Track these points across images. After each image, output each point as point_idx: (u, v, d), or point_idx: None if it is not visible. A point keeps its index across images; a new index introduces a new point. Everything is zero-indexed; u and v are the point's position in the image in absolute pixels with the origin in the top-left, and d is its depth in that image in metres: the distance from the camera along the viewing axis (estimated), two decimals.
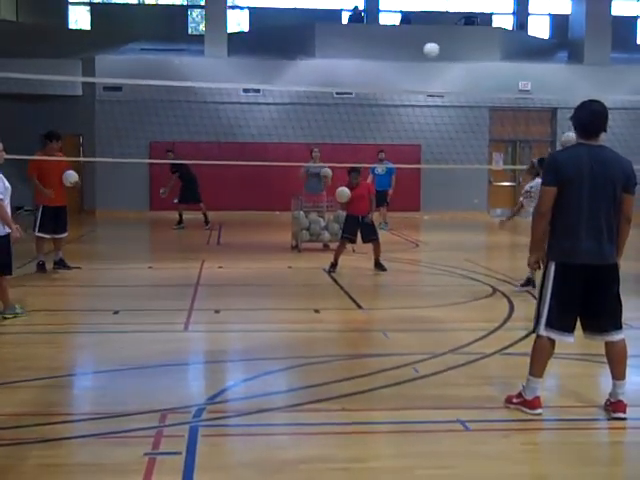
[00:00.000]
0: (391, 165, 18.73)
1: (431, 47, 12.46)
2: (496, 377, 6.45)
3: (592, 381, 6.45)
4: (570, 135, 12.48)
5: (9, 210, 8.23)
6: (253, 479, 4.42)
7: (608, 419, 5.37)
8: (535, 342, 5.50)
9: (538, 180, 9.40)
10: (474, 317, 8.95)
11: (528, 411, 5.42)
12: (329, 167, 15.89)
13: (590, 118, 5.34)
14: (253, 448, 4.90)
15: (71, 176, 11.57)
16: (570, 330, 5.39)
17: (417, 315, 8.97)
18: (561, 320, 5.35)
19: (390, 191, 18.91)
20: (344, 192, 12.36)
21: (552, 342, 5.43)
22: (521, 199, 11.15)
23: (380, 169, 18.88)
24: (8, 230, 8.15)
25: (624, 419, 5.32)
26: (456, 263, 13.07)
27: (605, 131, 5.38)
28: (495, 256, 16.06)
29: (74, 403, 5.98)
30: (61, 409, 5.62)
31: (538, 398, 5.45)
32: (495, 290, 10.61)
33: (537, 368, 5.47)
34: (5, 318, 8.37)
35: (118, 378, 6.44)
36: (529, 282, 10.36)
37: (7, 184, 8.26)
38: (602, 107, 5.37)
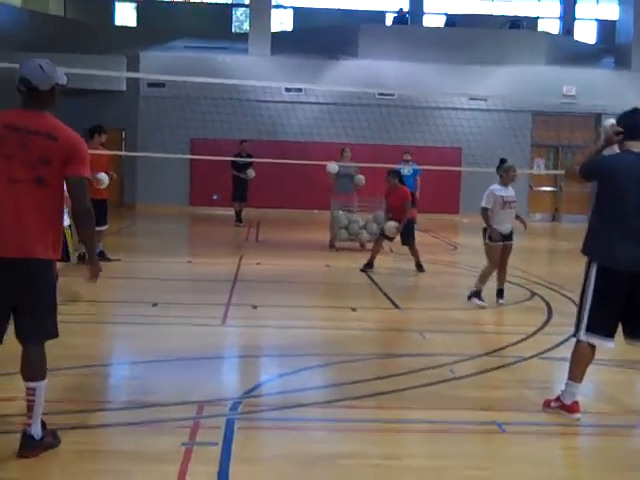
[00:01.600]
0: (417, 166, 18.67)
1: (331, 167, 14.32)
2: (534, 381, 6.41)
3: (632, 388, 6.38)
4: (611, 120, 12.40)
5: None
6: (288, 471, 4.44)
7: None
8: (575, 347, 5.46)
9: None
10: (512, 320, 8.90)
11: (567, 415, 5.39)
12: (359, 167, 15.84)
13: None
14: (288, 442, 4.93)
15: (101, 181, 11.55)
16: (611, 335, 5.34)
17: (454, 317, 8.93)
18: (602, 325, 5.30)
19: (417, 192, 18.82)
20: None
21: (592, 347, 5.38)
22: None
23: (406, 170, 18.81)
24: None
25: None
26: None
27: None
28: (534, 260, 15.91)
29: (113, 392, 6.05)
30: (100, 397, 5.70)
31: (577, 403, 5.41)
32: (534, 294, 10.54)
33: (576, 373, 5.43)
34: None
35: (156, 369, 6.51)
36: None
37: None
38: None
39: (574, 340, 5.48)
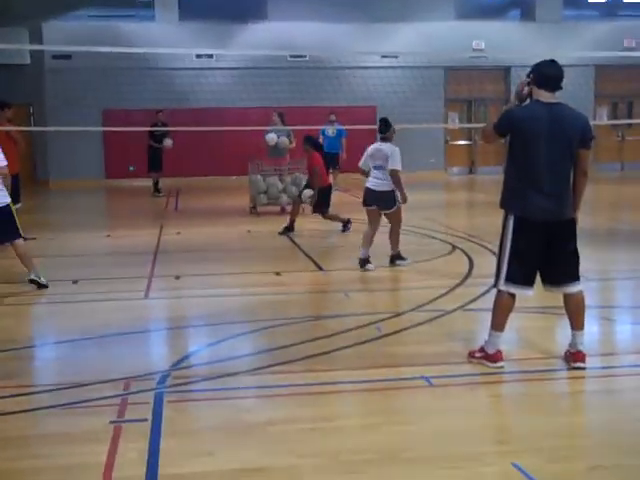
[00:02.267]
0: (341, 127, 18.66)
1: (270, 137, 14.15)
2: (458, 333, 6.51)
3: (552, 333, 6.54)
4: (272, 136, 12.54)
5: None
6: (220, 442, 4.41)
7: (568, 369, 5.46)
8: (496, 297, 5.57)
9: (375, 144, 9.46)
10: (434, 275, 9.01)
11: (490, 365, 5.50)
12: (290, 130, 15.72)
13: (557, 74, 5.37)
14: (219, 412, 4.90)
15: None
16: (530, 284, 5.46)
17: (378, 275, 9.00)
18: (521, 274, 5.41)
19: (342, 154, 18.82)
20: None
21: (512, 296, 5.50)
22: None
23: (330, 131, 18.81)
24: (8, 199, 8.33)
25: (584, 368, 5.41)
26: (415, 222, 13.10)
27: (561, 89, 5.43)
28: (454, 214, 16.17)
29: (36, 375, 5.92)
30: (24, 381, 5.55)
31: (500, 352, 5.52)
32: (455, 247, 10.69)
33: (498, 322, 5.54)
34: (31, 282, 8.43)
35: (80, 348, 6.39)
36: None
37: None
38: (561, 67, 5.43)
39: (495, 291, 5.59)
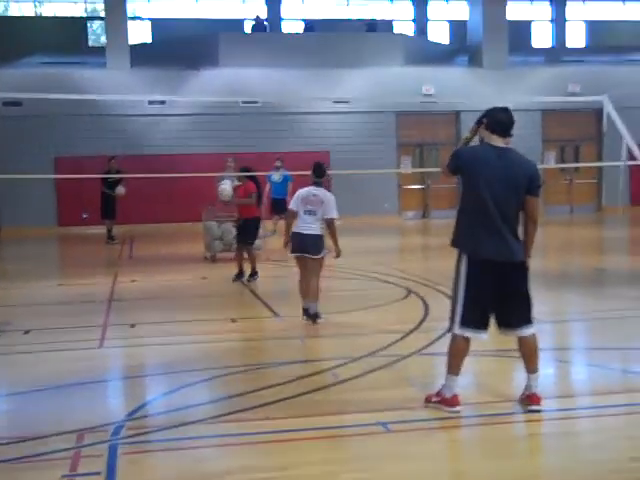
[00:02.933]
0: (287, 173, 18.78)
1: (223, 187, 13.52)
2: (415, 378, 6.54)
3: (508, 376, 6.60)
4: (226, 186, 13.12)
5: None
6: None
7: (524, 412, 5.51)
8: (451, 341, 5.60)
9: (308, 188, 8.93)
10: (390, 320, 9.05)
11: (447, 409, 5.51)
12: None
13: (509, 120, 5.50)
14: (175, 462, 4.84)
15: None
16: (484, 327, 5.50)
17: (333, 321, 8.99)
18: (474, 318, 5.46)
19: (288, 199, 18.85)
20: (223, 186, 13.18)
21: (467, 340, 5.54)
22: None
23: (277, 176, 18.91)
24: None
25: (539, 411, 5.46)
26: (370, 267, 13.20)
27: (511, 136, 5.55)
28: (408, 258, 16.28)
29: None
30: None
31: (456, 396, 5.54)
32: (410, 292, 10.75)
33: (454, 366, 5.57)
34: None
35: (31, 400, 6.26)
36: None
37: None
38: (511, 113, 5.57)
39: (450, 335, 5.63)
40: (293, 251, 8.94)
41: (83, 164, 21.20)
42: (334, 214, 8.86)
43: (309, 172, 9.11)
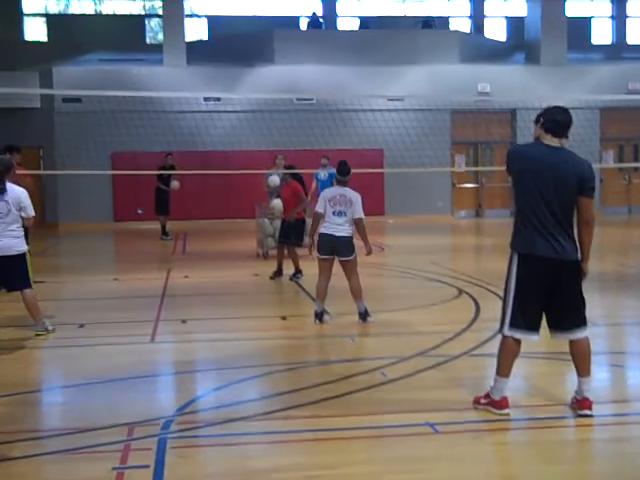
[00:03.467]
0: (334, 170, 18.75)
1: (273, 180, 13.67)
2: (464, 379, 6.48)
3: (559, 379, 6.50)
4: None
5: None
6: None
7: (575, 416, 5.42)
8: (501, 342, 5.53)
9: (335, 188, 8.86)
10: (441, 319, 8.99)
11: (496, 411, 5.45)
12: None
13: (566, 121, 5.40)
14: (223, 458, 4.88)
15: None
16: (535, 329, 5.41)
17: (384, 319, 8.98)
18: (525, 319, 5.38)
19: None
20: (273, 179, 13.31)
21: (518, 342, 5.46)
22: None
23: (322, 174, 18.94)
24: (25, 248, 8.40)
25: (590, 416, 5.37)
26: (422, 266, 13.13)
27: (567, 137, 5.45)
28: (460, 258, 16.15)
29: (40, 419, 5.90)
30: (27, 426, 5.53)
31: (506, 398, 5.47)
32: (461, 291, 10.67)
33: (504, 368, 5.50)
34: (38, 335, 8.35)
35: (85, 392, 6.38)
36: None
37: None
38: (570, 115, 5.47)
39: (501, 336, 5.56)
40: (321, 252, 8.74)
41: (139, 160, 21.48)
42: (361, 214, 8.70)
43: (357, 170, 9.02)
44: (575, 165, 5.35)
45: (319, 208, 8.76)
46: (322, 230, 8.71)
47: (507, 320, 5.42)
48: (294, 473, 4.57)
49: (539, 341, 5.53)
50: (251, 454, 4.93)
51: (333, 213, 8.66)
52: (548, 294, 5.36)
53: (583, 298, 5.47)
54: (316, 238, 8.95)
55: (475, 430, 5.27)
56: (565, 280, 5.37)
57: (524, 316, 5.38)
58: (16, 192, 8.26)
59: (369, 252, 8.96)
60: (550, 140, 5.38)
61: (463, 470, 4.60)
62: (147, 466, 4.64)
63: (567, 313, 5.42)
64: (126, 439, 5.13)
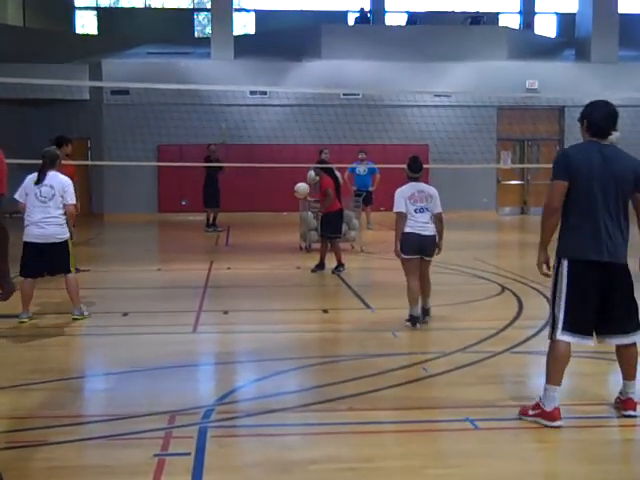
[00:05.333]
0: (373, 165, 18.78)
1: (302, 187, 13.56)
2: (506, 375, 6.43)
3: (603, 379, 6.41)
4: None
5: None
6: (262, 479, 4.41)
7: (618, 417, 5.34)
8: (552, 348, 5.27)
9: (410, 184, 8.35)
10: (483, 316, 8.92)
11: (547, 423, 5.17)
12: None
13: (606, 118, 5.26)
14: (262, 448, 4.90)
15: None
16: (589, 333, 5.20)
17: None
18: (579, 323, 5.16)
19: (371, 189, 18.92)
20: (299, 187, 13.29)
21: (569, 347, 5.23)
22: None
23: (361, 169, 18.92)
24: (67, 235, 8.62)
25: (635, 416, 5.28)
26: (465, 262, 13.05)
27: (616, 130, 5.32)
28: (504, 255, 16.03)
29: (84, 405, 5.98)
30: (70, 411, 5.61)
31: (558, 409, 5.19)
32: (504, 288, 10.58)
33: (555, 376, 5.23)
34: (74, 319, 8.57)
35: (127, 380, 6.45)
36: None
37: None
38: (614, 108, 5.32)
39: (545, 333, 5.45)
40: (408, 252, 8.23)
41: (184, 152, 21.66)
42: (440, 209, 8.38)
43: (399, 165, 8.82)
44: (630, 161, 5.24)
45: (400, 208, 8.20)
46: (406, 229, 8.21)
47: (559, 325, 5.18)
48: (331, 465, 4.57)
49: (594, 345, 5.39)
50: (289, 445, 4.94)
51: (415, 211, 8.23)
52: (601, 298, 5.17)
53: (636, 302, 5.30)
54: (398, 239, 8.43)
55: (515, 427, 5.21)
56: (618, 283, 5.22)
57: (578, 320, 5.16)
58: (61, 179, 8.59)
59: (439, 251, 8.49)
60: (601, 139, 5.25)
61: (502, 467, 4.56)
62: (188, 454, 4.68)
63: (620, 317, 5.24)
64: (167, 427, 5.18)
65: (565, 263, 5.20)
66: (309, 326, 8.52)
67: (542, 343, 5.40)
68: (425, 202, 8.28)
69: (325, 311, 9.27)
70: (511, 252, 16.63)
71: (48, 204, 8.41)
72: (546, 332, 5.48)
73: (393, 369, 6.57)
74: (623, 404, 5.36)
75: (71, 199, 8.57)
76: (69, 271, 8.62)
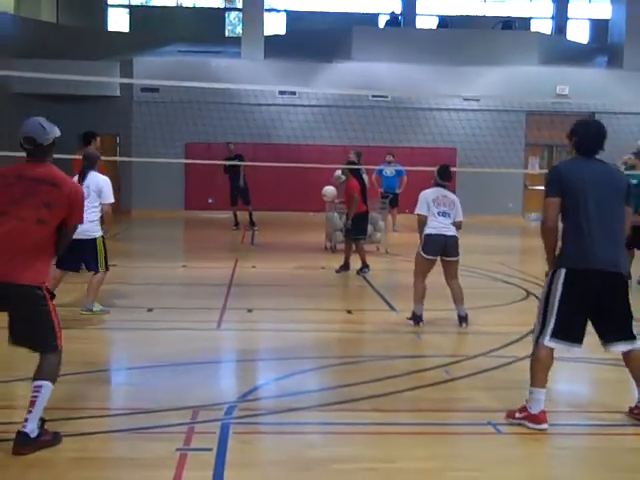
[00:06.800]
0: (400, 167, 18.78)
1: (329, 191, 13.91)
2: (529, 380, 6.39)
3: (623, 386, 6.35)
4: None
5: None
6: (283, 477, 4.44)
7: (637, 425, 5.31)
8: (537, 352, 5.28)
9: (435, 189, 8.56)
10: (507, 320, 8.90)
11: (533, 426, 5.18)
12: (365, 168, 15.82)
13: (596, 137, 5.32)
14: (283, 446, 4.93)
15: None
16: (579, 340, 5.20)
17: (450, 318, 8.91)
18: (570, 330, 5.17)
19: (398, 192, 18.92)
20: (327, 190, 13.47)
21: (552, 351, 5.25)
22: None
23: (388, 171, 18.92)
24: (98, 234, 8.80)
25: None
26: (490, 266, 13.01)
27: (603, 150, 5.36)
28: (529, 260, 15.93)
29: (108, 398, 6.04)
30: (95, 404, 5.67)
31: (544, 412, 5.22)
32: (529, 293, 10.54)
33: (540, 378, 5.26)
34: (81, 314, 8.64)
35: (151, 374, 6.52)
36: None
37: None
38: (604, 128, 5.40)
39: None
40: (431, 253, 8.42)
41: (212, 151, 21.73)
42: (462, 217, 8.57)
43: (427, 168, 8.89)
44: (620, 173, 5.46)
45: (422, 210, 8.41)
46: (430, 231, 8.38)
47: (548, 330, 5.18)
48: (353, 465, 4.59)
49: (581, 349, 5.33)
50: (311, 444, 4.97)
51: (438, 213, 8.40)
52: (597, 306, 5.17)
53: (631, 309, 5.30)
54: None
55: (537, 433, 5.20)
56: (618, 292, 5.22)
57: (568, 328, 5.16)
58: (97, 180, 8.83)
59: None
60: (590, 156, 5.32)
61: (523, 472, 4.56)
62: (210, 449, 4.72)
63: (620, 324, 5.25)
64: (190, 422, 5.22)
65: (562, 272, 5.21)
66: (332, 326, 8.55)
67: (562, 350, 5.34)
68: (448, 207, 8.48)
69: (349, 312, 9.30)
70: (536, 258, 16.50)
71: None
72: None
73: (415, 371, 6.58)
74: None
75: (108, 198, 8.83)
76: (97, 270, 8.78)
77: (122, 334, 8.15)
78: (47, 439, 4.69)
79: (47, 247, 4.89)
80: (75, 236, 8.51)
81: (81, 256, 8.67)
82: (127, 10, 30.17)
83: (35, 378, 4.73)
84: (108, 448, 4.86)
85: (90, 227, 8.53)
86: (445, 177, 8.64)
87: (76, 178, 8.69)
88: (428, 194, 8.49)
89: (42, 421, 4.73)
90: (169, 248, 15.93)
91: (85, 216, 8.49)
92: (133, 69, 22.72)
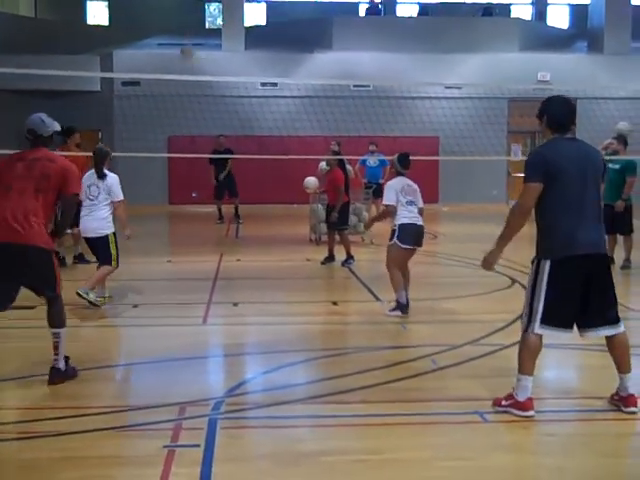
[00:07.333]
0: (383, 157, 18.73)
1: (311, 182, 14.05)
2: (515, 368, 6.39)
3: (608, 372, 6.38)
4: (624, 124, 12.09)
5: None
6: (271, 471, 4.43)
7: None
8: (525, 339, 5.27)
9: (400, 178, 8.72)
10: (493, 308, 8.92)
11: (520, 413, 5.19)
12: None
13: (567, 113, 5.29)
14: (272, 440, 4.92)
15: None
16: (569, 325, 5.21)
17: (435, 307, 8.96)
18: (559, 316, 5.16)
19: (381, 182, 18.86)
20: (309, 181, 13.62)
21: (541, 338, 5.25)
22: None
23: (372, 161, 18.86)
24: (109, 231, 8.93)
25: (635, 412, 5.24)
26: (475, 254, 12.95)
27: (575, 125, 5.34)
28: (513, 247, 15.93)
29: (93, 396, 5.99)
30: (81, 402, 5.64)
31: (531, 399, 5.22)
32: (514, 281, 10.57)
33: (528, 365, 5.25)
34: (78, 294, 8.64)
35: (137, 371, 6.50)
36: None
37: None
38: (573, 103, 5.39)
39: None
40: (409, 242, 8.54)
41: (195, 144, 21.68)
42: (422, 203, 8.75)
43: (415, 157, 8.96)
44: (597, 152, 5.43)
45: (391, 201, 8.51)
46: (404, 221, 8.50)
47: (537, 317, 5.17)
48: (342, 457, 4.59)
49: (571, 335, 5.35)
50: (299, 437, 4.96)
51: (407, 203, 8.54)
52: (584, 290, 5.15)
53: (615, 293, 5.30)
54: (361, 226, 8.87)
55: (524, 420, 5.21)
56: (602, 275, 5.23)
57: (558, 314, 5.16)
58: (106, 176, 9.11)
59: None
60: (564, 133, 5.27)
61: (511, 460, 4.58)
62: (198, 445, 4.70)
63: (605, 308, 5.24)
64: (177, 418, 5.20)
65: (547, 263, 5.21)
66: (319, 318, 8.54)
67: (552, 336, 5.36)
68: (413, 196, 8.64)
69: (335, 303, 9.29)
70: (520, 245, 16.47)
71: (94, 201, 8.92)
72: None
73: (402, 362, 6.58)
74: (624, 401, 5.29)
75: (118, 195, 9.02)
76: (109, 264, 8.91)
77: (107, 331, 8.12)
78: (71, 372, 6.01)
79: (45, 214, 5.85)
80: (87, 235, 8.73)
81: (96, 253, 9.00)
82: (106, 3, 29.99)
83: (52, 326, 5.99)
84: (95, 446, 4.83)
85: (101, 225, 8.75)
86: (406, 165, 8.81)
87: (87, 175, 8.79)
88: (395, 184, 8.67)
89: (67, 358, 6.00)
90: (154, 243, 15.86)
91: (95, 214, 8.68)
92: (113, 63, 22.59)
